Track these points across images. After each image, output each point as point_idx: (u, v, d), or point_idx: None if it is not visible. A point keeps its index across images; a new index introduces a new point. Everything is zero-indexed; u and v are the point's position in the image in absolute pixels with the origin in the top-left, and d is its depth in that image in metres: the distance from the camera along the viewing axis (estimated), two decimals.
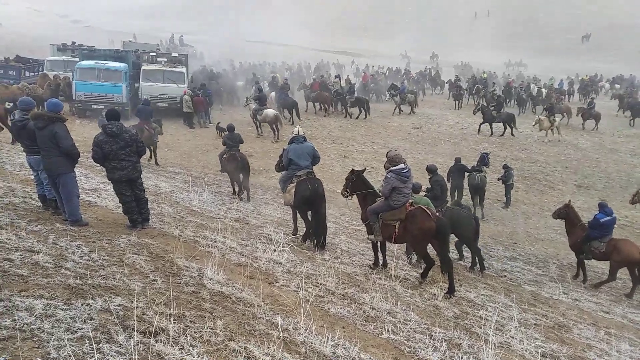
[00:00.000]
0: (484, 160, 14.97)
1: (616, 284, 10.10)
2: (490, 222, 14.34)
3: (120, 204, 7.13)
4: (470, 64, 52.60)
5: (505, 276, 9.43)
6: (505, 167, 15.60)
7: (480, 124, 23.46)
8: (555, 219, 11.02)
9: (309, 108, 26.18)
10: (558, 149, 21.98)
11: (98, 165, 7.83)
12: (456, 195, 14.38)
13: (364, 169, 8.22)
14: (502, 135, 23.12)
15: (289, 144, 8.80)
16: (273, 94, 25.08)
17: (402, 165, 7.19)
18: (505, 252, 11.62)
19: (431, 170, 11.13)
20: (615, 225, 10.35)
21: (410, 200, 7.55)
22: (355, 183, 7.95)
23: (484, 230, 12.01)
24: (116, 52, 24.55)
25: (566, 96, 34.58)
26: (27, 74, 25.83)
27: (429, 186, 10.81)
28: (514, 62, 56.54)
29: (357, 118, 25.21)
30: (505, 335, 5.81)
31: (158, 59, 23.38)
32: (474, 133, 23.48)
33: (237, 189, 12.30)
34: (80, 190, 7.31)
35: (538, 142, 22.66)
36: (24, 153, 7.42)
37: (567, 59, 60.04)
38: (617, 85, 39.64)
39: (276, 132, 19.79)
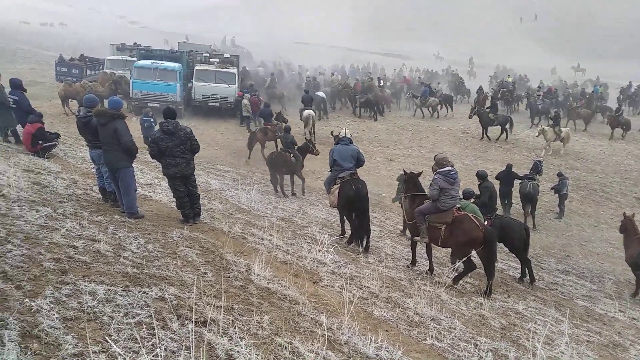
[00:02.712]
0: (537, 167, 14.51)
1: None
2: (542, 232, 13.85)
3: (174, 199, 7.42)
4: (512, 68, 50.57)
5: (556, 289, 9.09)
6: (559, 175, 15.03)
7: (483, 130, 22.46)
8: (621, 233, 10.45)
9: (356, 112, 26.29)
10: (617, 158, 20.92)
11: (153, 161, 8.18)
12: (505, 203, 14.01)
13: (420, 172, 8.22)
14: (497, 140, 22.27)
15: (335, 145, 8.91)
16: None
17: (449, 168, 7.22)
18: (557, 264, 11.20)
19: (481, 176, 10.93)
20: None
21: (457, 205, 7.52)
22: (408, 184, 8.01)
23: (534, 241, 11.65)
24: (171, 53, 25.46)
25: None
26: (88, 72, 27.27)
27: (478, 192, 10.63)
28: (572, 67, 53.96)
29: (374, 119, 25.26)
30: (555, 350, 5.62)
31: (211, 60, 24.02)
32: (526, 139, 22.70)
33: (279, 189, 12.68)
34: (136, 184, 7.65)
35: (596, 151, 21.65)
36: (87, 147, 7.88)
37: (626, 65, 56.93)
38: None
39: (312, 131, 20.11)
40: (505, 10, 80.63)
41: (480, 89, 29.69)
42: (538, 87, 33.67)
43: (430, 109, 26.62)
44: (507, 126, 22.09)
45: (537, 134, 20.86)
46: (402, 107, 29.59)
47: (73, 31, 61.64)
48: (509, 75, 41.11)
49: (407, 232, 10.42)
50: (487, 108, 22.91)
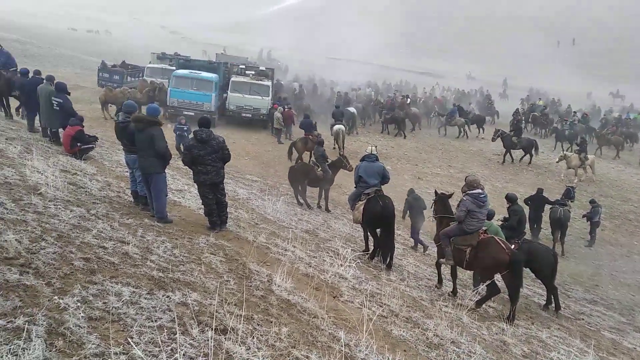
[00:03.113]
0: (569, 194, 14.18)
1: None
2: (571, 260, 13.46)
3: (203, 206, 7.58)
4: (546, 92, 49.34)
5: (582, 319, 8.81)
6: (592, 202, 14.62)
7: (504, 154, 21.88)
8: None
9: (384, 128, 26.23)
10: None
11: (185, 167, 8.39)
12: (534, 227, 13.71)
13: (451, 194, 8.19)
14: (529, 163, 21.64)
15: (360, 161, 8.95)
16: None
17: (479, 190, 7.15)
18: (585, 294, 10.86)
19: (511, 199, 10.75)
20: None
21: (483, 228, 7.44)
22: (437, 204, 7.98)
23: (562, 268, 11.32)
24: (209, 64, 26.05)
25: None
26: (129, 79, 28.21)
27: (506, 215, 10.46)
28: (610, 92, 52.41)
29: (395, 135, 25.12)
30: None
31: (246, 72, 24.48)
32: (560, 164, 22.10)
33: (301, 200, 12.78)
34: (167, 189, 7.84)
35: (632, 180, 20.91)
36: (122, 151, 8.15)
37: None
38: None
39: (341, 146, 20.12)
40: (543, 34, 79.30)
41: (517, 111, 29.17)
42: (574, 111, 32.90)
43: (457, 128, 26.38)
44: (533, 150, 21.59)
45: (557, 160, 20.27)
46: (434, 126, 29.40)
47: (117, 39, 64.02)
48: (539, 99, 40.33)
49: (418, 246, 11.32)
50: (510, 131, 22.48)
